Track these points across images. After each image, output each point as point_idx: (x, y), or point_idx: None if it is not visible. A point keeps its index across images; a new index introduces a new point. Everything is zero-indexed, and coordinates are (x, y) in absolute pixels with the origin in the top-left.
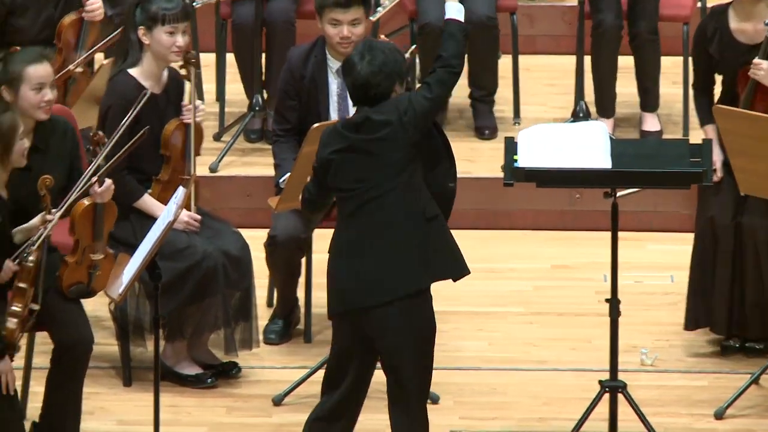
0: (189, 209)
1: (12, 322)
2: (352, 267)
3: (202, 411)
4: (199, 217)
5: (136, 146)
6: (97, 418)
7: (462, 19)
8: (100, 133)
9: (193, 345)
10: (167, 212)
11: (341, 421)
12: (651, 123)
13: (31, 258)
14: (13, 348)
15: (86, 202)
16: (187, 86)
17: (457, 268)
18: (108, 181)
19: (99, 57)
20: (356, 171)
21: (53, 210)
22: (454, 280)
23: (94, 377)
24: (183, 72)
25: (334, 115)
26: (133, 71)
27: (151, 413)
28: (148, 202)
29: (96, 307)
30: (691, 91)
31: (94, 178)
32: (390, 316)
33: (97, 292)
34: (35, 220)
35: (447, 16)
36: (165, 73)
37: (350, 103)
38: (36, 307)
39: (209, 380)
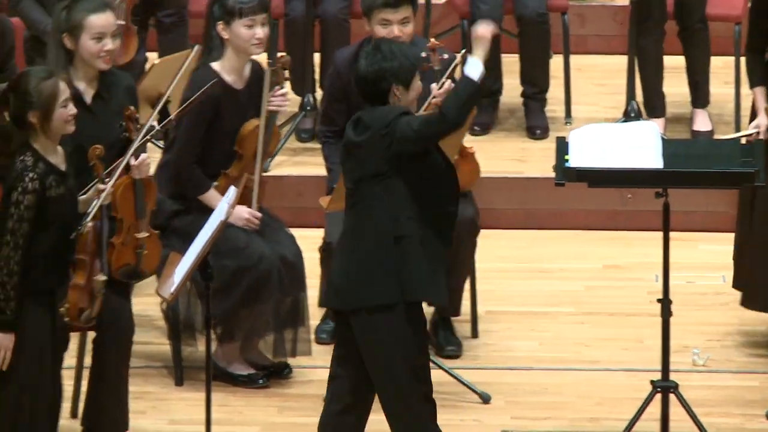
0: (250, 207)
1: (73, 295)
2: (333, 266)
3: (253, 410)
4: (259, 215)
5: (197, 133)
6: (148, 417)
7: (477, 77)
8: (132, 107)
9: (244, 347)
10: (219, 212)
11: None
12: (702, 122)
13: (85, 229)
14: (74, 319)
15: (125, 179)
16: (266, 79)
17: (433, 293)
18: (143, 155)
19: (152, 56)
20: (349, 171)
21: (106, 180)
22: (430, 305)
23: (145, 377)
24: (271, 75)
25: None
26: (215, 65)
27: (202, 412)
28: (213, 196)
29: (147, 306)
30: (743, 91)
31: (129, 154)
32: (357, 323)
33: (147, 274)
34: (91, 191)
35: (465, 72)
36: (248, 68)
37: None
38: (102, 278)
39: (261, 381)
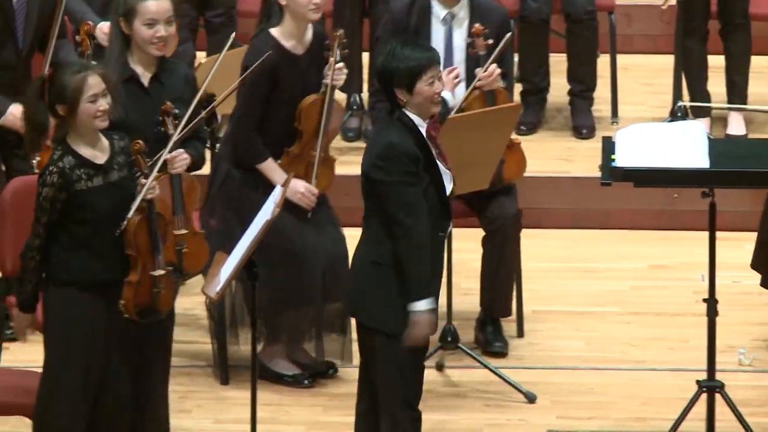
0: (309, 183)
1: (127, 292)
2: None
3: (299, 410)
4: (316, 191)
5: (255, 101)
6: (193, 417)
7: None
8: (168, 102)
9: (289, 347)
10: (265, 211)
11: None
12: (736, 126)
13: (127, 224)
14: (132, 315)
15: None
16: (331, 61)
17: (379, 321)
18: (179, 151)
19: (200, 55)
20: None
21: (147, 173)
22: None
23: (191, 376)
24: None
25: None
26: (274, 31)
27: (248, 412)
28: (270, 167)
29: (193, 305)
30: None
31: (167, 149)
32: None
33: (191, 274)
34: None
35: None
36: (309, 33)
37: (456, 54)
38: (158, 272)
39: (306, 381)
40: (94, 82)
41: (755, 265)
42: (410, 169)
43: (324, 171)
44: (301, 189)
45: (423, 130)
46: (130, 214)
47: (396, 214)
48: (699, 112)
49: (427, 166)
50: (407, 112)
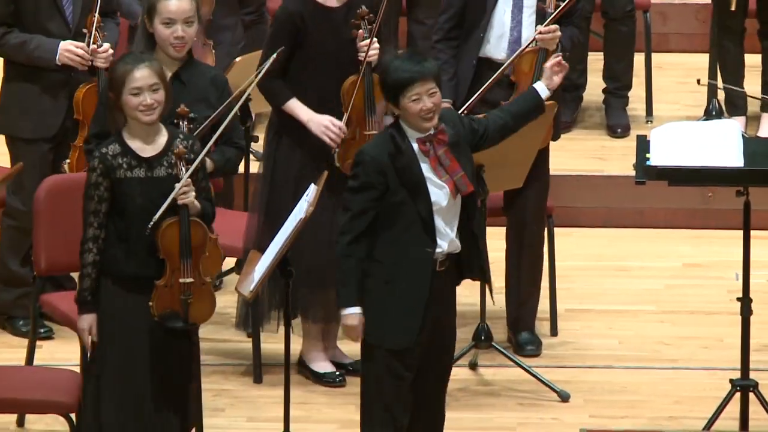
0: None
1: (155, 294)
2: None
3: (332, 408)
4: (342, 125)
5: (277, 44)
6: (227, 415)
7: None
8: (183, 106)
9: (326, 346)
10: (299, 210)
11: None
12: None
13: (157, 226)
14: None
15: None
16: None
17: (373, 336)
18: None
19: None
20: None
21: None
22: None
23: (224, 374)
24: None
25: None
26: None
27: (281, 410)
28: (295, 105)
29: (226, 303)
30: None
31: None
32: None
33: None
34: None
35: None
36: None
37: (526, 12)
38: (187, 280)
39: (339, 379)
40: (141, 76)
41: None
42: (369, 179)
43: None
44: (326, 122)
45: (414, 143)
46: (158, 214)
47: (341, 218)
48: (734, 112)
49: (408, 180)
50: (402, 123)
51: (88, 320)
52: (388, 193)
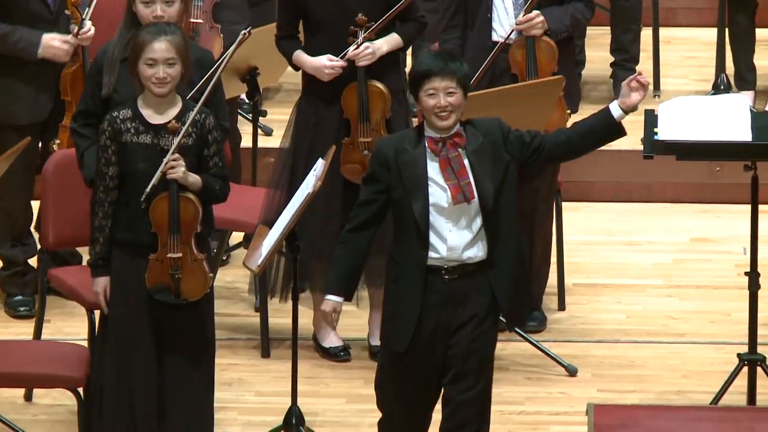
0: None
1: (148, 267)
2: None
3: (339, 382)
4: (343, 64)
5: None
6: (234, 389)
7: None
8: (174, 122)
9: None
10: (306, 185)
11: None
12: None
13: (147, 199)
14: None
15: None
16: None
17: (391, 339)
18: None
19: None
20: None
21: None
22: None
23: (232, 348)
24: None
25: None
26: None
27: (288, 384)
28: (299, 56)
29: (235, 278)
30: None
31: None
32: None
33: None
34: None
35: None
36: None
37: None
38: (175, 255)
39: (342, 353)
40: (159, 48)
41: None
42: (374, 171)
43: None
44: (323, 62)
45: (425, 141)
46: (149, 187)
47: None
48: (742, 86)
49: (407, 177)
50: (424, 121)
51: (101, 283)
52: (390, 187)
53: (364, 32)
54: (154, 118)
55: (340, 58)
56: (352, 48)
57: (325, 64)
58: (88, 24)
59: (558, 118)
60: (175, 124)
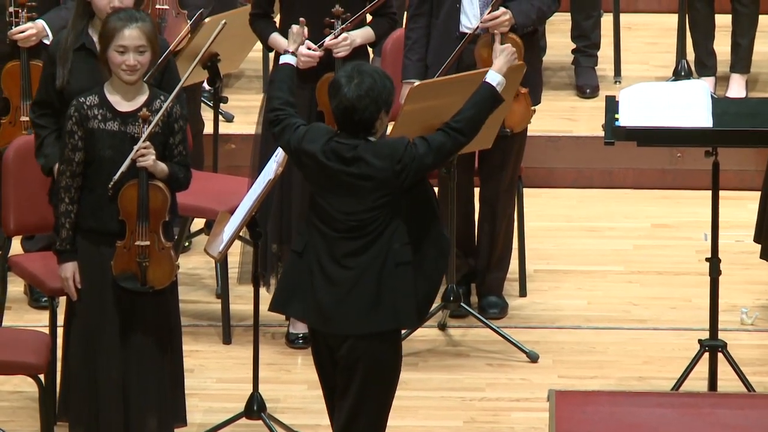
0: None
1: (115, 255)
2: (321, 291)
3: (301, 368)
4: (320, 53)
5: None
6: (196, 376)
7: (499, 90)
8: (146, 110)
9: None
10: (268, 170)
11: None
12: (736, 89)
13: (113, 183)
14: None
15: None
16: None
17: (405, 320)
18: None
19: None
20: (342, 204)
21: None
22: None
23: (193, 335)
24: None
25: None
26: None
27: (250, 371)
28: (275, 38)
29: (196, 265)
30: None
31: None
32: (355, 348)
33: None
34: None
35: (486, 80)
36: None
37: None
38: (143, 243)
39: (298, 341)
40: (131, 35)
41: (757, 238)
42: None
43: None
44: (305, 51)
45: None
46: (117, 174)
47: (437, 153)
48: (703, 72)
49: None
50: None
51: (69, 269)
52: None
53: (341, 23)
54: (121, 105)
55: (318, 47)
56: (329, 38)
57: (302, 51)
58: (28, 25)
59: (522, 114)
60: (146, 112)
